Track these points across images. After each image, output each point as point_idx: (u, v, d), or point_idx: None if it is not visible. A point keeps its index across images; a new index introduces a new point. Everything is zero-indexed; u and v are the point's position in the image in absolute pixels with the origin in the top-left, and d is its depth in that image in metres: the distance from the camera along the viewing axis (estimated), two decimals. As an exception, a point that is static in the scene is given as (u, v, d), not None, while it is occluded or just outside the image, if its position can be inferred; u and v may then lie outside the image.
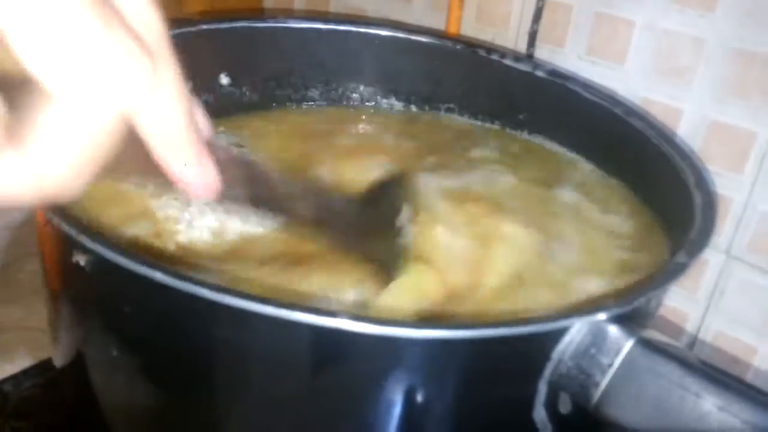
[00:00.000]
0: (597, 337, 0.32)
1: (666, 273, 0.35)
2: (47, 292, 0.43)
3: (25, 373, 0.58)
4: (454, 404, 0.34)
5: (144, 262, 0.30)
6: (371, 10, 0.80)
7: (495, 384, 0.34)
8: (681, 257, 0.36)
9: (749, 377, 0.62)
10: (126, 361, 0.36)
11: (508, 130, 0.65)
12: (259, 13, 0.87)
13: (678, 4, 0.58)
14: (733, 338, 0.62)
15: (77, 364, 0.42)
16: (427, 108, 0.68)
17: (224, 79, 0.62)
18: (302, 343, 0.31)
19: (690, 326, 0.64)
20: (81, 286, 0.36)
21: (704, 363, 0.33)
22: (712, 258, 0.61)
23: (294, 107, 0.66)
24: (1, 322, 0.64)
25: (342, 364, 0.32)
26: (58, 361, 0.46)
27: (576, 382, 0.33)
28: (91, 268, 0.34)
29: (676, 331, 0.65)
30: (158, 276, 0.30)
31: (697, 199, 0.42)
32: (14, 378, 0.58)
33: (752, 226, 0.59)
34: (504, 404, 0.35)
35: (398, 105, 0.69)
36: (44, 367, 0.58)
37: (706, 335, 0.64)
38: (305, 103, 0.66)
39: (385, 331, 0.30)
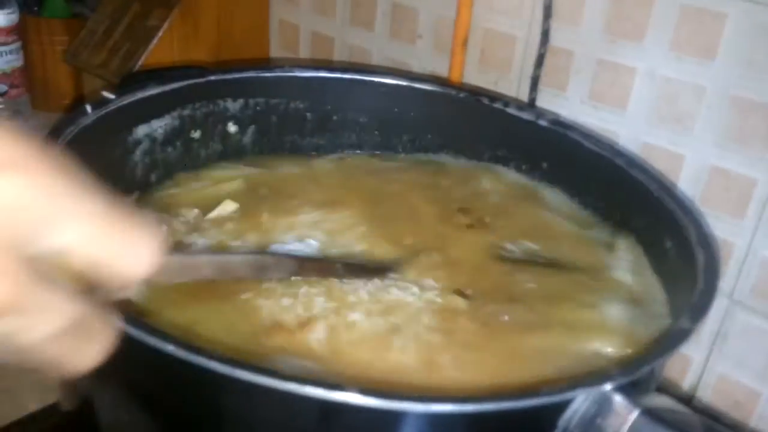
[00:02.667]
0: (602, 407, 0.32)
1: (670, 340, 0.35)
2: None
3: (31, 417, 0.58)
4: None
5: (153, 333, 0.31)
6: (375, 53, 0.81)
7: (501, 452, 0.34)
8: (684, 323, 0.36)
9: (753, 421, 0.62)
10: (133, 418, 0.37)
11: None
12: (265, 62, 0.89)
13: (678, 52, 0.59)
14: (736, 382, 0.62)
15: (84, 409, 0.42)
16: (428, 154, 0.68)
17: (232, 128, 0.63)
18: (308, 413, 0.32)
19: (694, 370, 0.64)
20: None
21: (711, 428, 0.34)
22: (715, 302, 0.61)
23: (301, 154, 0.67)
24: (7, 363, 0.64)
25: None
26: (65, 405, 0.46)
27: (581, 451, 0.33)
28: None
29: (680, 374, 0.65)
30: (169, 348, 0.30)
31: (700, 257, 0.42)
32: (20, 423, 0.57)
33: (754, 271, 0.59)
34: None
35: (401, 152, 0.69)
36: (50, 411, 0.58)
37: (710, 379, 0.64)
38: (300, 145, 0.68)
39: (389, 405, 0.30)
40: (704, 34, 0.58)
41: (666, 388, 0.65)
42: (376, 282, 0.49)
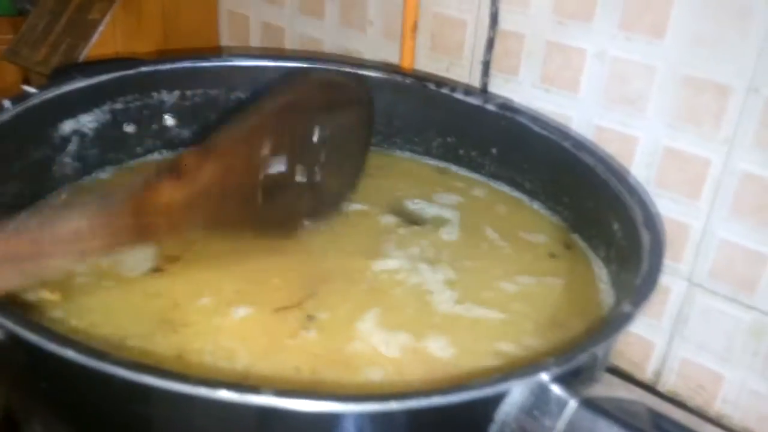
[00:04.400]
0: (539, 399, 0.31)
1: (609, 325, 0.34)
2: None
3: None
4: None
5: (55, 339, 0.29)
6: (327, 41, 0.79)
7: (438, 448, 0.32)
8: (626, 307, 0.35)
9: (717, 404, 0.61)
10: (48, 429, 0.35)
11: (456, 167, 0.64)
12: (216, 51, 0.87)
13: (627, 32, 0.58)
14: (698, 365, 0.61)
15: (7, 422, 0.39)
16: (377, 143, 0.66)
17: (169, 121, 0.61)
18: (224, 418, 0.30)
19: (656, 354, 0.63)
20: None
21: (656, 417, 0.32)
22: (674, 286, 0.60)
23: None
24: None
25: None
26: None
27: (520, 444, 0.31)
28: (7, 342, 0.32)
29: (643, 360, 0.64)
30: (70, 354, 0.28)
31: (645, 239, 0.41)
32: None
33: (712, 253, 0.58)
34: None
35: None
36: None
37: (673, 363, 0.63)
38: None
39: (317, 407, 0.28)
40: (653, 13, 0.56)
41: (629, 376, 0.64)
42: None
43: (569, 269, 0.52)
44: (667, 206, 0.58)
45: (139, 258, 0.47)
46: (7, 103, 0.46)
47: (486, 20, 0.65)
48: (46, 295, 0.43)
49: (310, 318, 0.44)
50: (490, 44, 0.66)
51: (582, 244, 0.55)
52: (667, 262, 0.57)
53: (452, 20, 0.68)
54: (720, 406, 0.61)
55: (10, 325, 0.30)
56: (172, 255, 0.48)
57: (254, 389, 0.28)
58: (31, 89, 0.47)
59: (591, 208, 0.52)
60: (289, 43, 0.83)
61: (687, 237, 0.59)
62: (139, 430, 0.32)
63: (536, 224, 0.57)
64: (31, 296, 0.43)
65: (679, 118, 0.57)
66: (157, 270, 0.47)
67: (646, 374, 0.64)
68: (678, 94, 0.57)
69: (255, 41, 0.86)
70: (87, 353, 0.28)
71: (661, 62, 0.57)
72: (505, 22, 0.65)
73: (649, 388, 0.64)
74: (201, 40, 0.87)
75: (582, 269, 0.52)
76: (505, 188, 0.61)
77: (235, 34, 0.89)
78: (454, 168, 0.64)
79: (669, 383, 0.63)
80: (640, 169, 0.59)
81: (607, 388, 0.34)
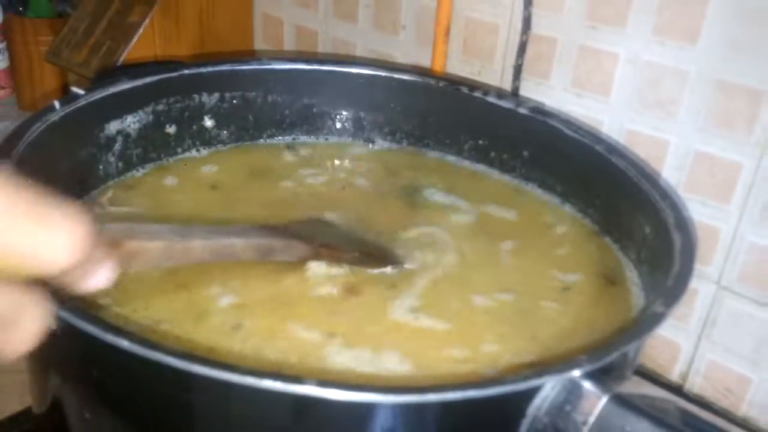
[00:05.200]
0: (571, 394, 0.32)
1: (641, 325, 0.35)
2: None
3: (12, 419, 0.57)
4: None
5: (109, 329, 0.30)
6: (360, 45, 0.81)
7: (471, 442, 0.33)
8: (658, 307, 0.36)
9: (743, 407, 0.61)
10: (98, 422, 0.36)
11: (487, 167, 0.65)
12: (251, 55, 0.88)
13: (660, 37, 0.58)
14: (725, 368, 0.61)
15: (55, 413, 0.41)
16: (410, 145, 0.68)
17: (208, 122, 0.62)
18: (270, 407, 0.31)
19: (683, 357, 0.64)
20: (52, 345, 0.36)
21: (686, 414, 0.33)
22: (703, 288, 0.61)
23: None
24: (-4, 364, 0.63)
25: (313, 428, 0.32)
26: (36, 408, 0.46)
27: (552, 438, 0.32)
28: (60, 330, 0.33)
29: (670, 363, 0.64)
30: (124, 344, 0.30)
31: (677, 241, 0.41)
32: (1, 424, 0.57)
33: (741, 257, 0.58)
34: (482, 461, 0.34)
35: (382, 142, 0.68)
36: (31, 413, 0.58)
37: (700, 365, 0.63)
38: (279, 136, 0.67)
39: (353, 397, 0.29)
40: (686, 18, 0.57)
41: (656, 377, 0.64)
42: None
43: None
44: (697, 210, 0.58)
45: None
46: (56, 104, 0.48)
47: (518, 25, 0.66)
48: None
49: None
50: (522, 48, 0.66)
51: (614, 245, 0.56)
52: (696, 265, 0.58)
53: (485, 24, 0.69)
54: (747, 409, 0.61)
55: (67, 316, 0.31)
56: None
57: (297, 379, 0.29)
58: (80, 90, 0.49)
59: (622, 211, 0.52)
60: (322, 47, 0.84)
61: (716, 241, 0.59)
62: (180, 416, 0.33)
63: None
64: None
65: (710, 122, 0.57)
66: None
67: (673, 376, 0.65)
68: (710, 98, 0.57)
69: (289, 45, 0.88)
70: (141, 343, 0.30)
71: (693, 67, 0.57)
72: (538, 27, 0.65)
73: (676, 390, 0.64)
74: (236, 43, 0.89)
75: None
76: (537, 191, 0.62)
77: (269, 38, 0.90)
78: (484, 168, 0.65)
79: (696, 386, 0.63)
80: (671, 172, 0.60)
81: (635, 388, 0.35)
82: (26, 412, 0.58)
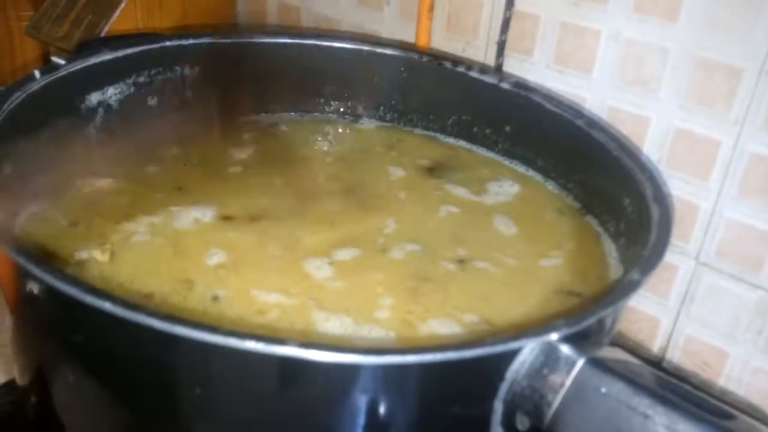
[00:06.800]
0: (549, 357, 0.32)
1: (618, 291, 0.35)
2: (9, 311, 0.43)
3: (-4, 390, 0.57)
4: (411, 426, 0.34)
5: (91, 291, 0.30)
6: (344, 21, 0.80)
7: (451, 405, 0.34)
8: (634, 274, 0.36)
9: (721, 381, 0.62)
10: (82, 386, 0.36)
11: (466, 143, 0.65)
12: (233, 28, 0.87)
13: (641, 14, 0.59)
14: (704, 343, 0.62)
15: (38, 383, 0.41)
16: (393, 120, 0.68)
17: (189, 94, 0.62)
18: (253, 369, 0.31)
19: (662, 332, 0.65)
20: (36, 312, 0.36)
21: (661, 379, 0.33)
22: (682, 264, 0.62)
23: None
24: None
25: (293, 390, 0.32)
26: (20, 379, 0.46)
27: (530, 401, 0.33)
28: (43, 296, 0.33)
29: (650, 336, 0.65)
30: (107, 306, 0.30)
31: (654, 213, 0.42)
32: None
33: (719, 233, 0.59)
34: (461, 424, 0.35)
35: (366, 117, 0.69)
36: (15, 385, 0.58)
37: (678, 340, 0.64)
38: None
39: (334, 358, 0.30)
40: (667, -6, 0.57)
41: (635, 351, 0.65)
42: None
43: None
44: (677, 186, 0.59)
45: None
46: (36, 74, 0.47)
47: (502, 1, 0.66)
48: (98, 255, 0.45)
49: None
50: (506, 25, 0.66)
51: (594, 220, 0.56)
52: (676, 241, 0.59)
53: (469, 1, 0.69)
54: (724, 382, 0.62)
55: (48, 278, 0.31)
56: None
57: (280, 341, 0.29)
58: (60, 60, 0.49)
59: (602, 185, 0.53)
60: (305, 22, 0.84)
61: (696, 217, 0.60)
62: (164, 378, 0.34)
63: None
64: (83, 254, 0.45)
65: (691, 99, 0.58)
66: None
67: (652, 351, 0.66)
68: (690, 75, 0.57)
69: (272, 20, 0.87)
70: (123, 305, 0.30)
71: (674, 44, 0.58)
72: (521, 3, 0.66)
73: (655, 365, 0.65)
74: (219, 17, 0.88)
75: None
76: (519, 166, 0.62)
77: (253, 13, 0.90)
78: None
79: (674, 360, 0.64)
80: (652, 149, 0.60)
81: (612, 355, 0.35)
82: (10, 384, 0.58)
